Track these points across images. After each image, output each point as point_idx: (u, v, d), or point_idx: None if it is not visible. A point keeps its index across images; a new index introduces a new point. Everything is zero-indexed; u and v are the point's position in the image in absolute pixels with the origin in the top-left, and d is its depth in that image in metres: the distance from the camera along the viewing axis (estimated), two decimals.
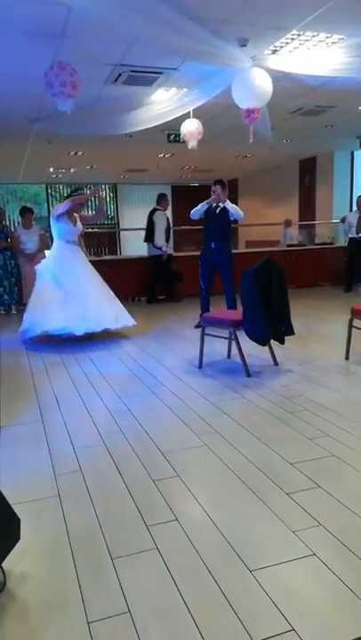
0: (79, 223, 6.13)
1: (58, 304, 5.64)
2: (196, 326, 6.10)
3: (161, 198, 8.70)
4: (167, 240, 8.71)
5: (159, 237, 8.50)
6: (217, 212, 6.01)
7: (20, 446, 3.01)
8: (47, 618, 1.64)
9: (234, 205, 6.13)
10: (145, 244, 8.92)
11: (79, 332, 5.55)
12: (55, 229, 6.06)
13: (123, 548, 1.98)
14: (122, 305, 6.08)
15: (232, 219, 6.14)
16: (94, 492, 2.42)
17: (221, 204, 5.96)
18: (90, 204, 6.20)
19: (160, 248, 8.54)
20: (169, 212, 8.93)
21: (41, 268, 6.10)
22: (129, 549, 1.97)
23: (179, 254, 9.30)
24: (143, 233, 8.90)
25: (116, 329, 5.90)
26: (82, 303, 5.65)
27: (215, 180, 6.23)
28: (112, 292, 6.07)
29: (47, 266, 6.04)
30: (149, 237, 8.62)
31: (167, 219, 8.71)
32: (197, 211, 6.06)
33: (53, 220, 6.00)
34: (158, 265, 8.58)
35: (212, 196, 5.97)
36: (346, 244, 9.33)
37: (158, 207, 8.63)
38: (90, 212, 6.37)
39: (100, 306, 5.76)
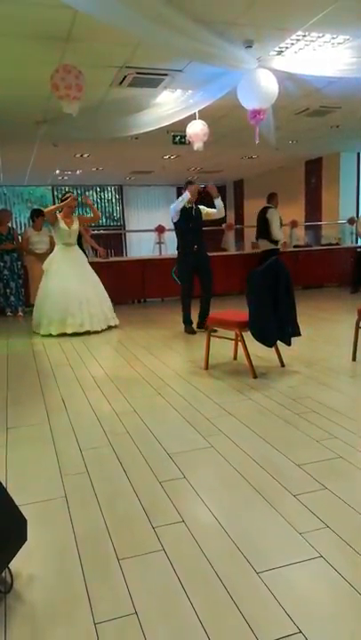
0: (75, 225, 6.57)
1: (52, 306, 6.27)
2: (189, 332, 6.09)
3: (273, 196, 9.03)
4: None
5: (277, 232, 8.75)
6: (193, 213, 6.00)
7: (27, 447, 3.02)
8: (54, 619, 1.65)
9: (221, 203, 6.18)
10: (157, 245, 9.11)
11: (69, 330, 6.21)
12: (54, 234, 6.67)
13: (129, 549, 1.98)
14: (111, 305, 6.71)
15: (211, 218, 6.21)
16: (101, 493, 2.42)
17: (206, 203, 6.06)
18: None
19: (277, 242, 8.81)
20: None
21: (45, 268, 6.64)
22: (135, 551, 1.97)
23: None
24: (148, 235, 8.99)
25: (103, 329, 6.44)
26: (74, 305, 6.23)
27: (188, 180, 6.31)
28: (105, 293, 6.65)
29: (48, 267, 6.55)
30: (262, 234, 8.82)
31: (279, 215, 8.96)
32: (177, 204, 6.03)
33: (52, 227, 6.59)
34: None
35: (194, 197, 5.97)
36: (359, 244, 9.36)
37: (270, 205, 8.84)
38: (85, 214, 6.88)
39: (92, 307, 6.34)
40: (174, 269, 6.30)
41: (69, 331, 6.20)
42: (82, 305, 6.25)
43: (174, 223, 6.14)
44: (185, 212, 6.00)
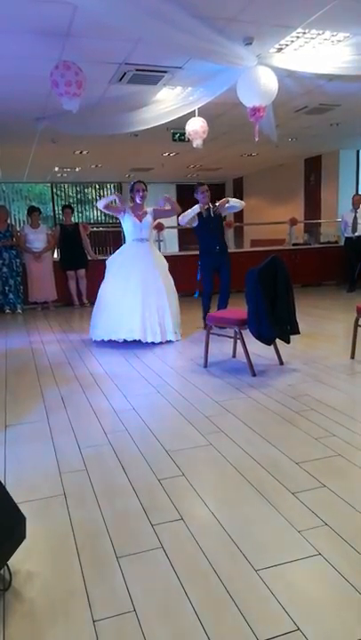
0: (147, 218, 5.66)
1: (118, 311, 5.47)
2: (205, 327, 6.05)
3: None
4: None
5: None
6: (211, 214, 5.96)
7: (26, 445, 3.02)
8: (53, 616, 1.65)
9: (236, 200, 6.13)
10: (156, 242, 9.23)
11: (120, 337, 5.48)
12: (123, 228, 5.81)
13: (128, 546, 1.98)
14: (176, 316, 5.71)
15: (234, 211, 6.22)
16: (99, 490, 2.43)
17: (216, 206, 5.94)
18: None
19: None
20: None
21: (108, 264, 5.82)
22: (134, 548, 1.97)
23: None
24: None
25: (158, 342, 5.50)
26: (128, 310, 5.44)
27: (199, 182, 6.20)
28: (167, 304, 5.61)
29: (112, 265, 5.75)
30: None
31: None
32: (188, 216, 5.94)
33: (121, 220, 5.77)
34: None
35: (204, 200, 5.93)
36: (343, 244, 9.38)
37: None
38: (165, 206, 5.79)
39: (149, 316, 5.48)
40: (197, 291, 6.27)
41: (120, 337, 5.47)
42: (136, 311, 5.43)
43: (194, 227, 6.08)
44: (202, 216, 5.97)
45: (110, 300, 5.57)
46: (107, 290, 5.67)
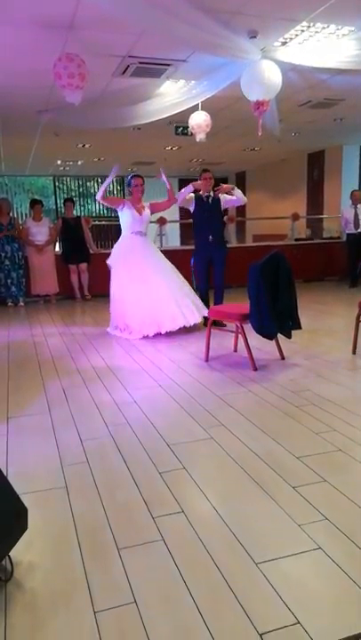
0: (147, 212, 5.78)
1: (151, 306, 5.43)
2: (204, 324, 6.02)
3: None
4: None
5: None
6: (210, 201, 5.80)
7: (28, 437, 3.03)
8: (54, 607, 1.66)
9: (240, 191, 5.97)
10: (158, 237, 9.29)
11: (168, 329, 5.41)
12: (121, 221, 5.79)
13: (129, 538, 1.99)
14: (194, 298, 5.73)
15: (232, 205, 6.05)
16: (101, 483, 2.43)
17: (220, 195, 5.79)
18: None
19: None
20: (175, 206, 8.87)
21: (111, 263, 5.78)
22: (135, 540, 1.98)
23: None
24: (150, 226, 9.02)
25: (198, 322, 5.62)
26: (153, 305, 5.43)
27: (203, 168, 6.06)
28: (184, 285, 5.72)
29: (116, 262, 5.72)
30: None
31: None
32: (182, 194, 5.80)
33: (119, 213, 5.77)
34: None
35: (205, 185, 5.77)
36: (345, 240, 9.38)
37: None
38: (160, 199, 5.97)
39: (170, 304, 5.49)
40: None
41: (164, 330, 5.41)
42: (168, 299, 5.45)
43: (191, 214, 5.96)
44: (200, 201, 5.81)
45: (136, 298, 5.46)
46: (123, 289, 5.55)
